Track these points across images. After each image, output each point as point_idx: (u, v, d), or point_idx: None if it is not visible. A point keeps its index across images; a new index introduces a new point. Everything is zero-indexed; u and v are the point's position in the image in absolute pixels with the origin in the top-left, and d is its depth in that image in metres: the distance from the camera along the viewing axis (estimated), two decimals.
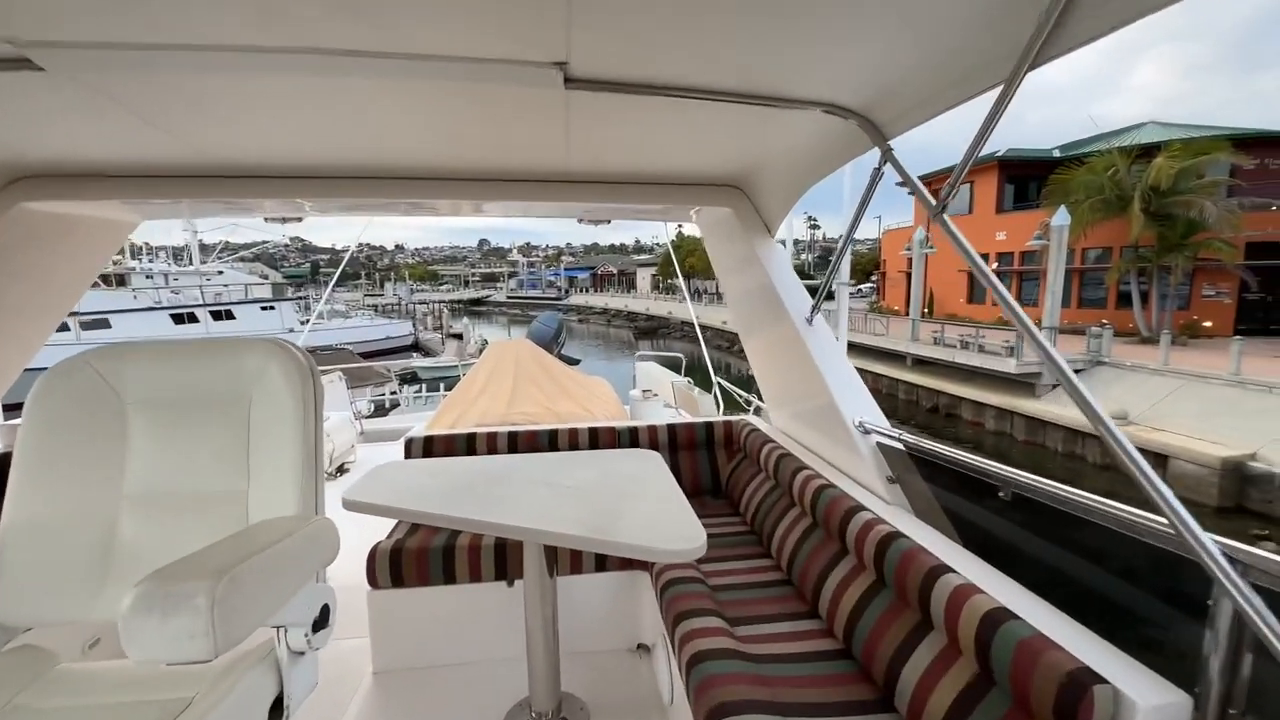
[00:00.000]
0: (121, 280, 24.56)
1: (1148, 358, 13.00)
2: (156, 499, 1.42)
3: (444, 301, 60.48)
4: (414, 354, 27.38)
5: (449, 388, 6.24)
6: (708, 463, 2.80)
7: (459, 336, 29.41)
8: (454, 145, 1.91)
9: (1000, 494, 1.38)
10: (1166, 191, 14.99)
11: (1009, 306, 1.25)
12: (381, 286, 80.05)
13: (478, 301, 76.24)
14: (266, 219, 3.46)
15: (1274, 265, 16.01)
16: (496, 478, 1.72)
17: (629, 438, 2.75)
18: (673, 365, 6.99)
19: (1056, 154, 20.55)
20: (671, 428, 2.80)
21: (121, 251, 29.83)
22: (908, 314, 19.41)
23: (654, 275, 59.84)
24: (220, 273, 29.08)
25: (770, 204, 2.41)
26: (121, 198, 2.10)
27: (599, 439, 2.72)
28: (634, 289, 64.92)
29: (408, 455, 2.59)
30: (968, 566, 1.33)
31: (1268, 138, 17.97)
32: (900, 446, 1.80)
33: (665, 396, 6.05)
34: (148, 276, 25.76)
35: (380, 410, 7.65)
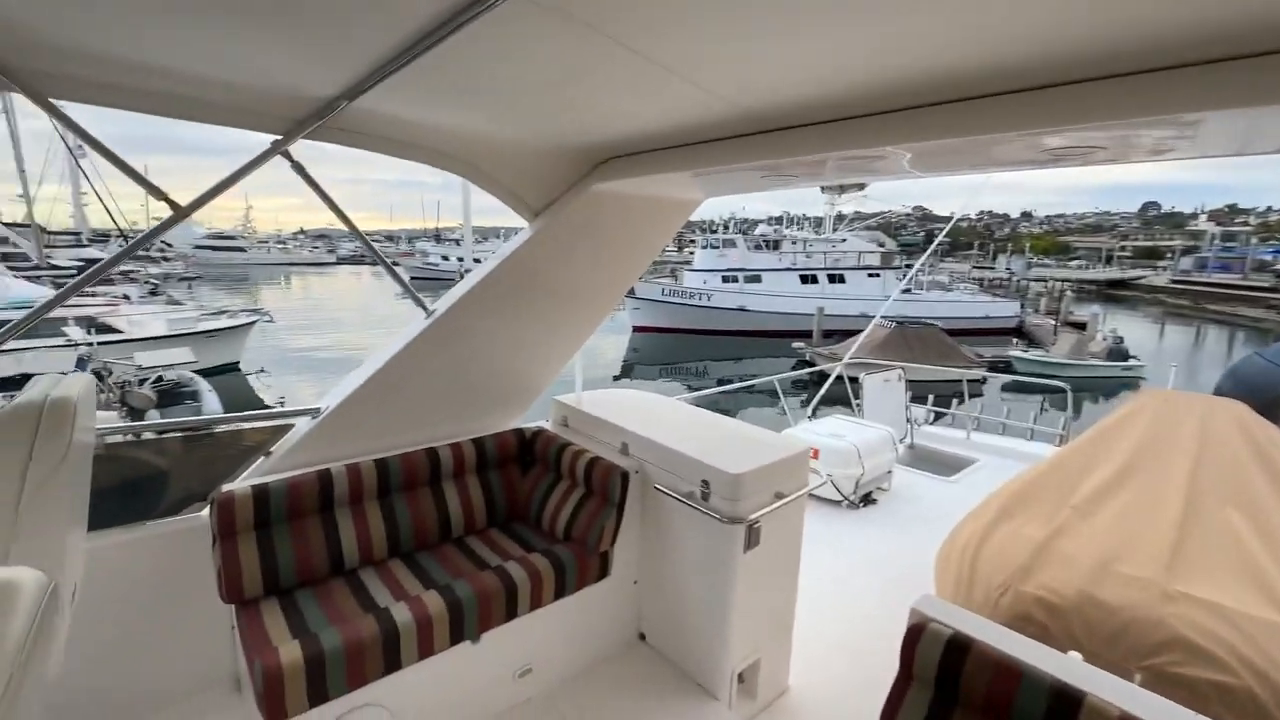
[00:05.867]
0: (776, 245, 30.77)
1: None
2: None
3: (1069, 280, 49.59)
4: (1014, 340, 23.50)
5: (1052, 396, 4.28)
6: None
7: (1080, 326, 23.39)
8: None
9: None
10: None
11: None
12: (994, 259, 72.90)
13: (1120, 284, 58.81)
14: (824, 188, 2.70)
15: None
16: None
17: None
18: None
19: None
20: None
21: (782, 221, 37.68)
22: None
23: None
24: (844, 240, 32.56)
25: None
26: (682, 169, 1.87)
27: None
28: None
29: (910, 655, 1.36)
30: None
31: None
32: None
33: None
34: (793, 243, 31.43)
35: (940, 415, 6.28)
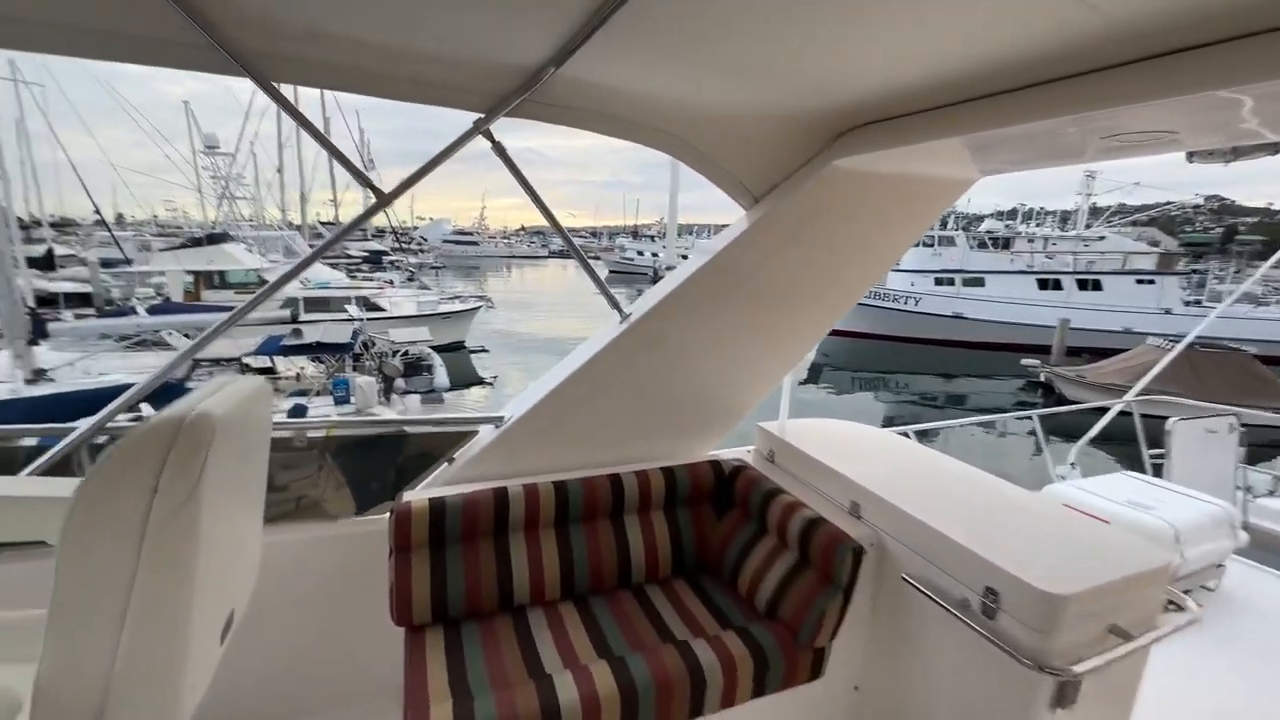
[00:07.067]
0: (1006, 243, 26.26)
1: None
2: None
3: None
4: None
5: None
6: None
7: None
8: None
9: None
10: None
11: None
12: None
13: None
14: (1192, 155, 1.89)
15: None
16: None
17: None
18: None
19: None
20: None
21: (1015, 215, 31.93)
22: None
23: None
24: (1102, 238, 26.58)
25: None
26: (967, 130, 1.34)
27: None
28: None
29: None
30: None
31: None
32: None
33: None
34: (1029, 240, 26.51)
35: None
